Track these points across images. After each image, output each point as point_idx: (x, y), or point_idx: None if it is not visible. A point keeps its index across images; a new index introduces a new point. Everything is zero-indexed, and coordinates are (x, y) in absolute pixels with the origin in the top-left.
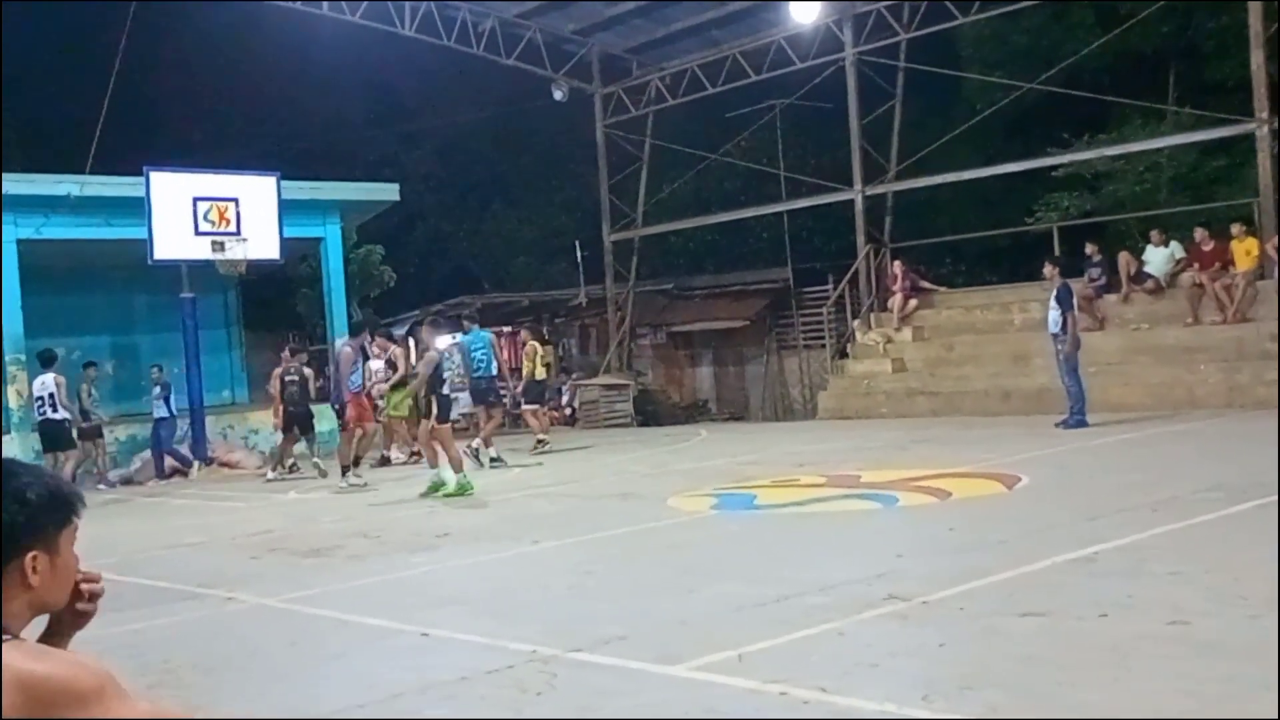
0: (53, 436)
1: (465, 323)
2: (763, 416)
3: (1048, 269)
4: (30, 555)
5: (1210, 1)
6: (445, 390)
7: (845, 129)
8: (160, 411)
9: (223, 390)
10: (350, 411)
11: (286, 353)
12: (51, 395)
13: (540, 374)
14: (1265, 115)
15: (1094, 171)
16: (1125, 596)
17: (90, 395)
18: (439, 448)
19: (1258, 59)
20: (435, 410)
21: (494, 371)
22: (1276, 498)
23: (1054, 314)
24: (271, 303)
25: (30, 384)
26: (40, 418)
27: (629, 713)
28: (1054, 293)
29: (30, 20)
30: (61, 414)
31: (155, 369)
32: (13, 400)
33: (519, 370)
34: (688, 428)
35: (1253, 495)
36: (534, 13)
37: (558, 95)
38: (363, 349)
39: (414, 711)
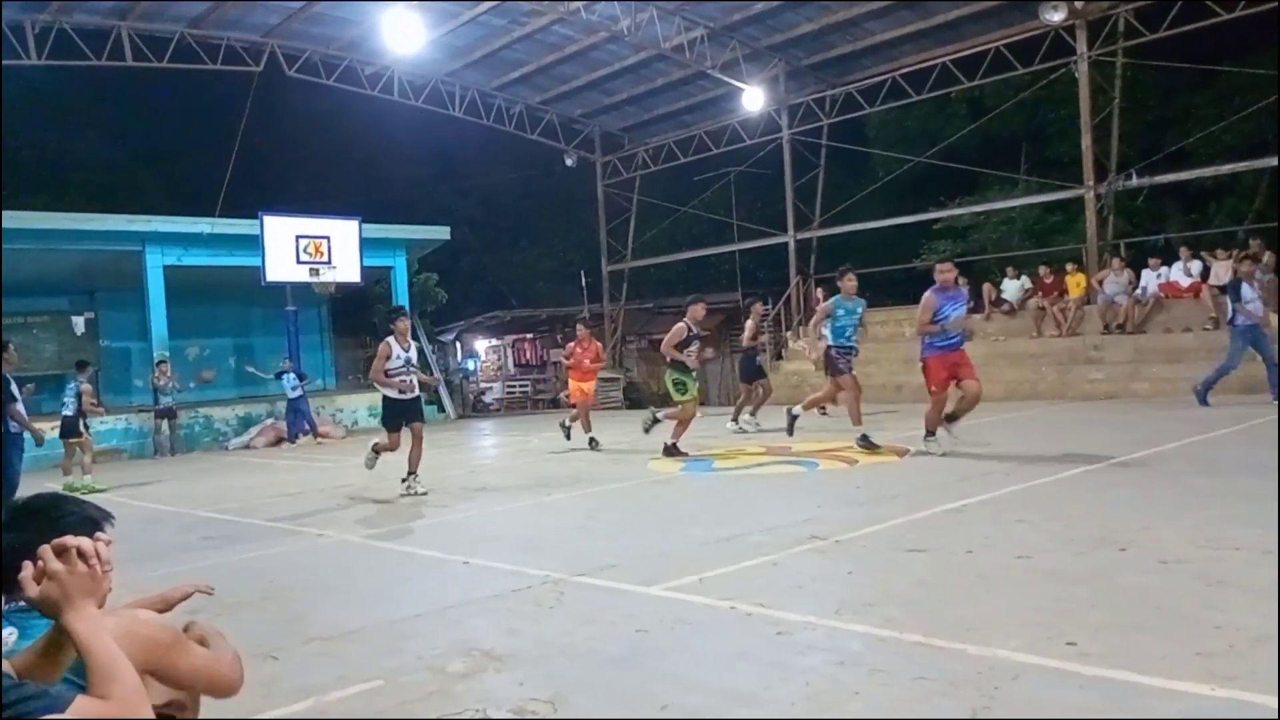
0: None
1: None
2: (719, 403)
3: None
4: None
5: (1051, 98)
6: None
7: (782, 189)
8: (298, 391)
9: (317, 380)
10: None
11: (758, 305)
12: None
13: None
14: (1091, 183)
15: (964, 224)
16: (985, 537)
17: (166, 382)
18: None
19: (1086, 142)
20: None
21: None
22: (1277, 490)
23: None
24: (353, 314)
25: (170, 373)
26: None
27: (618, 621)
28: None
29: (173, 98)
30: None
31: (285, 359)
32: (160, 381)
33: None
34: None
35: (1080, 463)
36: (551, 100)
37: (569, 162)
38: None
39: (459, 619)
